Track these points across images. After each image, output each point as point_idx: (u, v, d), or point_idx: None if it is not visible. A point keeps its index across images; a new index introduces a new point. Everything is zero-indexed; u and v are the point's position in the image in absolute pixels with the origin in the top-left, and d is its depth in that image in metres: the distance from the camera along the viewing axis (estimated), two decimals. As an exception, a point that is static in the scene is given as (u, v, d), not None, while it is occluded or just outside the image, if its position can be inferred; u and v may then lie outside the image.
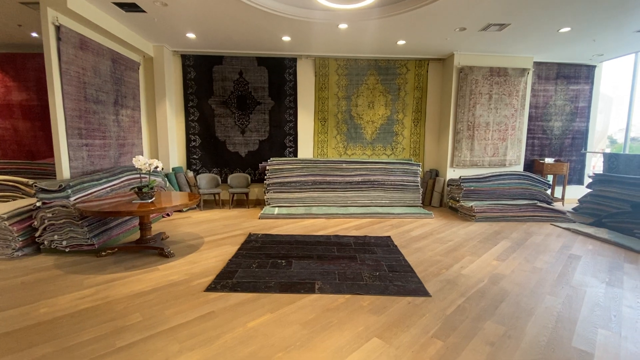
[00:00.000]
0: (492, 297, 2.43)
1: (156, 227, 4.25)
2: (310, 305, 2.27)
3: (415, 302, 2.32)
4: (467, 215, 4.94)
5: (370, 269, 2.91)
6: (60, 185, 3.19)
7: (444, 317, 2.13)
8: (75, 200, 3.27)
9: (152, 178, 4.10)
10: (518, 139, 5.85)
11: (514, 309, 2.25)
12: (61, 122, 3.55)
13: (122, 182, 4.09)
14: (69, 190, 3.22)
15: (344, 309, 2.23)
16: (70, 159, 3.68)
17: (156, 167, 3.19)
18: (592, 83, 6.30)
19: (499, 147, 5.78)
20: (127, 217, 3.88)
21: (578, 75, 6.28)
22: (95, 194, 3.58)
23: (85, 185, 3.45)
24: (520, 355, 1.76)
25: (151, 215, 4.41)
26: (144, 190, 3.19)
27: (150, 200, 3.25)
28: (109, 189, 3.82)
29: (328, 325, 2.02)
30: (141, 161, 3.09)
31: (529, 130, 6.14)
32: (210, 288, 2.51)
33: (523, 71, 5.61)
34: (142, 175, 3.44)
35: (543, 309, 2.27)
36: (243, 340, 1.86)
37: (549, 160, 6.25)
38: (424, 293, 2.46)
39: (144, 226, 3.33)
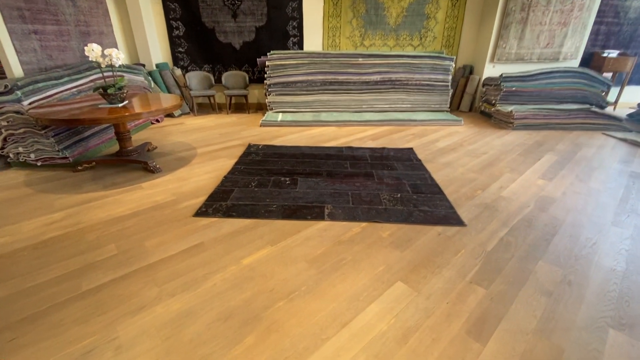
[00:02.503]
0: (542, 227, 1.98)
1: (143, 136, 3.74)
2: (319, 235, 1.88)
3: (446, 234, 1.90)
4: (503, 122, 4.22)
5: (390, 189, 2.44)
6: (5, 86, 2.55)
7: (484, 255, 1.72)
8: (30, 104, 2.67)
9: (125, 76, 3.39)
10: (583, 24, 4.61)
11: (571, 245, 1.82)
12: (-13, -3, 2.67)
13: (91, 81, 3.39)
14: (19, 92, 2.59)
15: (359, 241, 1.83)
16: (17, 52, 2.94)
17: (118, 59, 2.44)
18: None
19: (556, 35, 4.60)
20: (105, 125, 3.33)
21: None
22: (57, 96, 2.95)
23: (40, 85, 2.79)
24: (587, 309, 1.38)
25: (138, 122, 3.86)
26: (109, 91, 2.54)
27: (121, 105, 2.63)
28: (74, 90, 3.15)
29: (340, 263, 1.65)
30: (95, 51, 2.35)
31: (597, 11, 4.79)
32: (201, 212, 2.11)
33: None
34: (113, 72, 2.74)
35: (608, 245, 1.82)
36: (236, 284, 1.51)
37: (611, 53, 5.09)
38: (457, 221, 2.02)
39: (120, 136, 2.80)
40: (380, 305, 1.39)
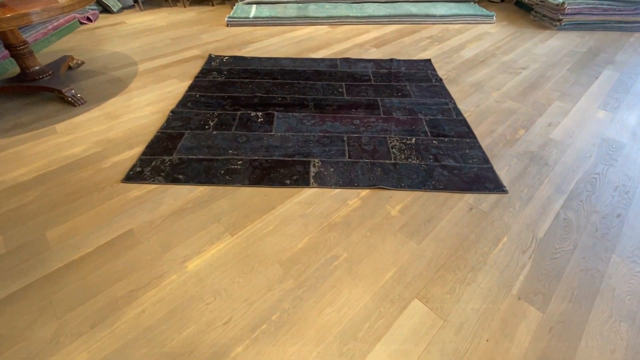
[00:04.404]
0: (611, 194, 1.43)
1: (67, 44, 2.76)
2: (301, 214, 1.32)
3: (481, 207, 1.35)
4: (547, 20, 3.22)
5: (401, 129, 1.77)
6: None
7: (535, 246, 1.21)
8: None
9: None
10: None
11: (654, 224, 1.30)
12: None
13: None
14: None
15: (358, 223, 1.29)
16: None
17: None
18: None
19: None
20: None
21: None
22: None
23: None
24: (688, 348, 0.95)
25: (57, 24, 2.83)
26: (-42, -26, 1.57)
27: (-9, -1, 1.69)
28: None
29: (330, 267, 1.14)
30: None
31: None
32: (134, 175, 1.49)
33: None
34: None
35: None
36: (175, 309, 1.01)
37: None
38: (496, 185, 1.45)
39: (14, 52, 1.92)
40: (390, 347, 0.94)
